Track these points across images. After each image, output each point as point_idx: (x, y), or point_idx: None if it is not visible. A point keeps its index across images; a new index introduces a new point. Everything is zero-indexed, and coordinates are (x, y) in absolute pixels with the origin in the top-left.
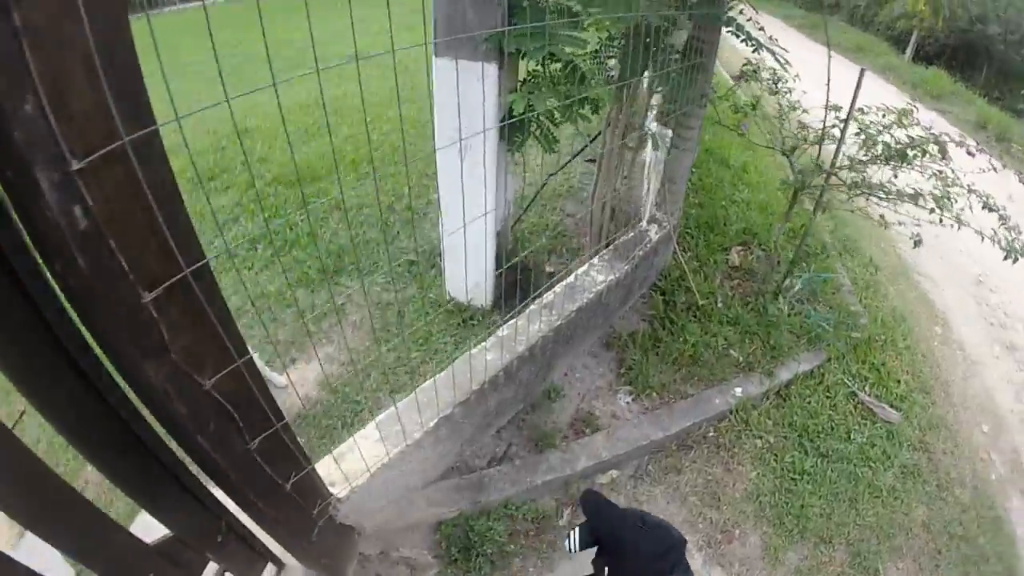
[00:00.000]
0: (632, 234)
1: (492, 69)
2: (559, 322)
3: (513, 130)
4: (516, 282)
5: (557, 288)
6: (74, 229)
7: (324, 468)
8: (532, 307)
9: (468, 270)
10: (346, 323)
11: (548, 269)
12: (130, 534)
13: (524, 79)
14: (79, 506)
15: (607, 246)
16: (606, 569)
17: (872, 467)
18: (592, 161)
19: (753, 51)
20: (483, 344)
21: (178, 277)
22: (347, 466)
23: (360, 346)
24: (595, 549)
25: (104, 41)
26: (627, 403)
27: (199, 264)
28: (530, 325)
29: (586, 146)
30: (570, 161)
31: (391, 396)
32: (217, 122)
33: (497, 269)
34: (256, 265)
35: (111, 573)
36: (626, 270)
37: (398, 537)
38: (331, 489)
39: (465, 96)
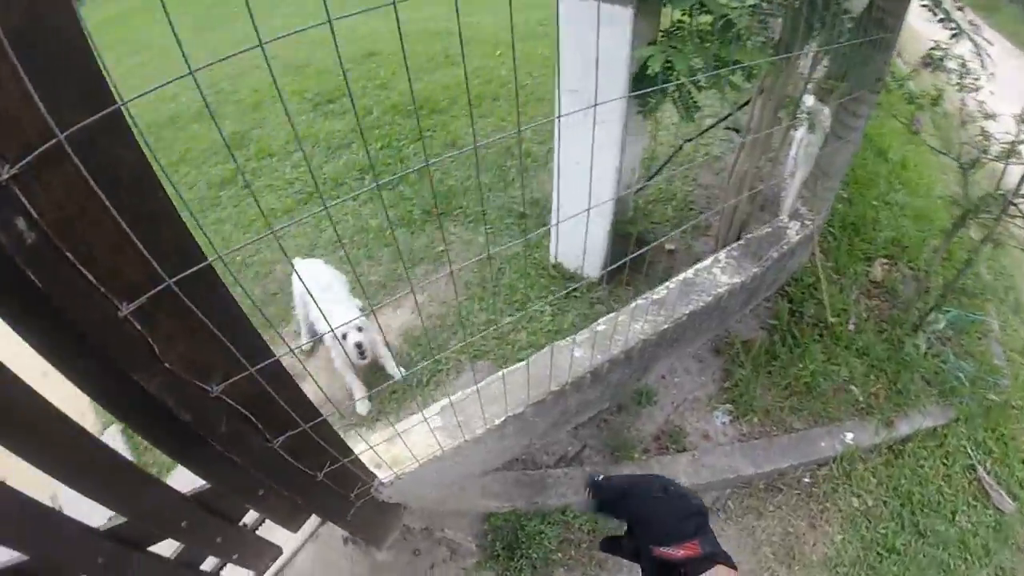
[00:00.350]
0: (768, 229)
1: (624, 13)
2: (666, 325)
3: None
4: (630, 255)
5: (671, 283)
6: (20, 245)
7: (375, 448)
8: (639, 301)
9: (579, 237)
10: (442, 271)
11: (669, 247)
12: (164, 485)
13: (666, 30)
14: (108, 459)
15: (738, 236)
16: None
17: (968, 560)
18: (736, 131)
19: (952, 36)
20: (572, 339)
21: (162, 287)
22: (397, 451)
23: (452, 300)
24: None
25: (19, 22)
26: (723, 423)
27: (196, 268)
28: (633, 323)
29: (731, 113)
30: (711, 128)
31: (472, 361)
32: (346, 42)
33: (611, 239)
34: (361, 197)
35: (146, 521)
36: (755, 273)
37: (446, 518)
38: (376, 472)
39: (588, 41)
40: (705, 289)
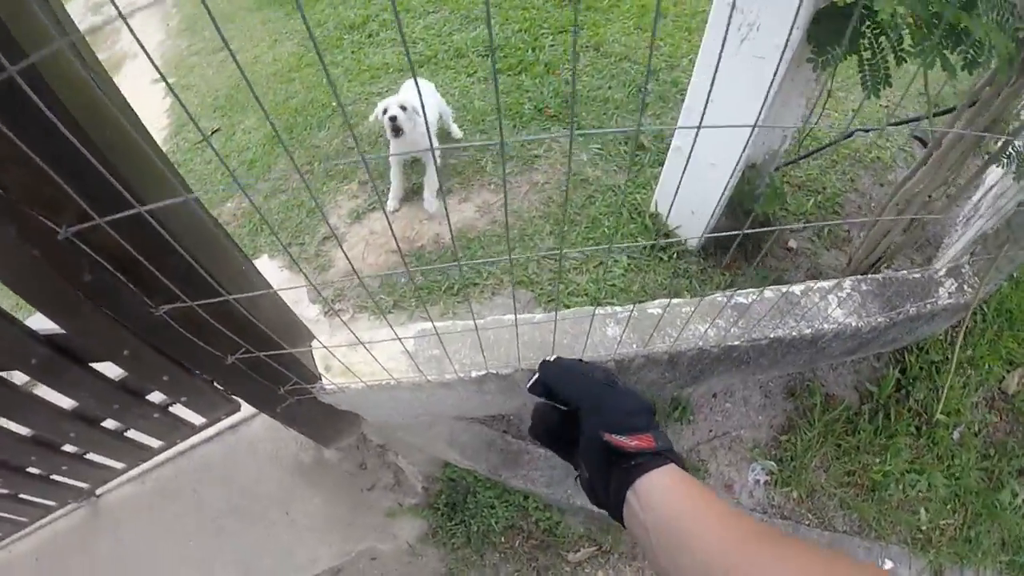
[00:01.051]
0: (916, 276)
1: None
2: (737, 342)
3: (829, 33)
4: (739, 239)
5: (768, 291)
6: None
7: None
8: (717, 297)
9: (690, 192)
10: (528, 176)
11: (791, 244)
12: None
13: None
14: None
15: (875, 265)
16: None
17: None
18: (923, 143)
19: None
20: (612, 311)
21: None
22: (357, 359)
23: (525, 210)
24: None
25: None
26: (757, 482)
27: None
28: (698, 322)
29: (925, 117)
30: (897, 125)
31: (514, 286)
32: None
33: (727, 207)
34: (477, 74)
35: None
36: (878, 324)
37: (405, 445)
38: (324, 373)
39: None
40: (808, 317)
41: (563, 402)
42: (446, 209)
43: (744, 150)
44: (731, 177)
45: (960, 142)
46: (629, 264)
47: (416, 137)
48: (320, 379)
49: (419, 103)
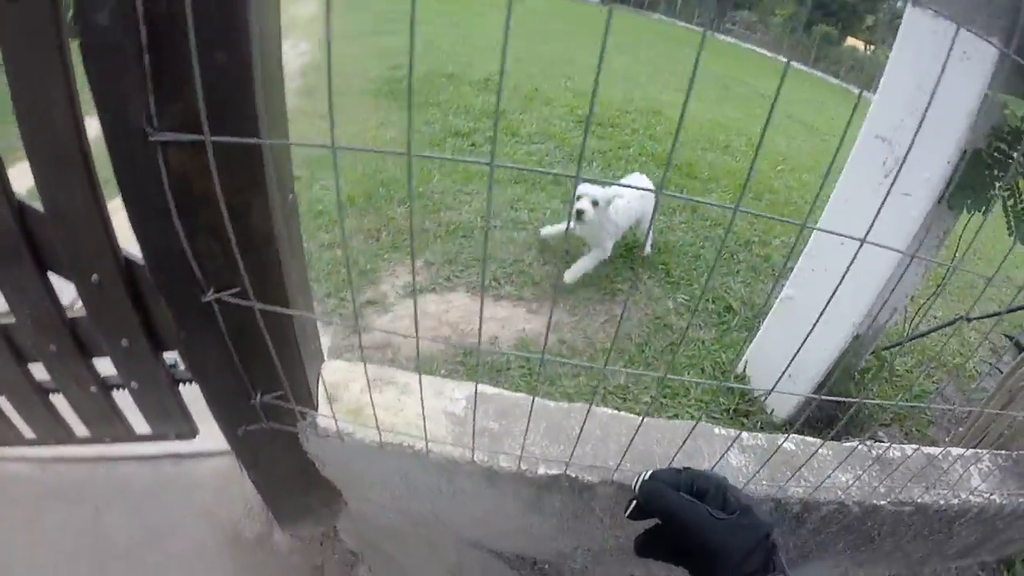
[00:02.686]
0: None
1: (985, 51)
2: (884, 503)
3: (973, 176)
4: (829, 414)
5: (908, 448)
6: None
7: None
8: (857, 444)
9: (790, 353)
10: (612, 307)
11: (880, 436)
12: None
13: None
14: None
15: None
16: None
17: None
18: (1019, 346)
19: None
20: (737, 433)
21: None
22: (371, 400)
23: (601, 342)
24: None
25: None
26: None
27: None
28: (842, 474)
29: None
30: (1009, 311)
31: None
32: (642, 98)
33: (823, 385)
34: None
35: None
36: (1018, 505)
37: (385, 562)
38: (323, 408)
39: (923, 79)
40: (951, 484)
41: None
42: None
43: (854, 324)
44: (845, 340)
45: None
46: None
47: (597, 230)
48: (315, 410)
49: (622, 204)
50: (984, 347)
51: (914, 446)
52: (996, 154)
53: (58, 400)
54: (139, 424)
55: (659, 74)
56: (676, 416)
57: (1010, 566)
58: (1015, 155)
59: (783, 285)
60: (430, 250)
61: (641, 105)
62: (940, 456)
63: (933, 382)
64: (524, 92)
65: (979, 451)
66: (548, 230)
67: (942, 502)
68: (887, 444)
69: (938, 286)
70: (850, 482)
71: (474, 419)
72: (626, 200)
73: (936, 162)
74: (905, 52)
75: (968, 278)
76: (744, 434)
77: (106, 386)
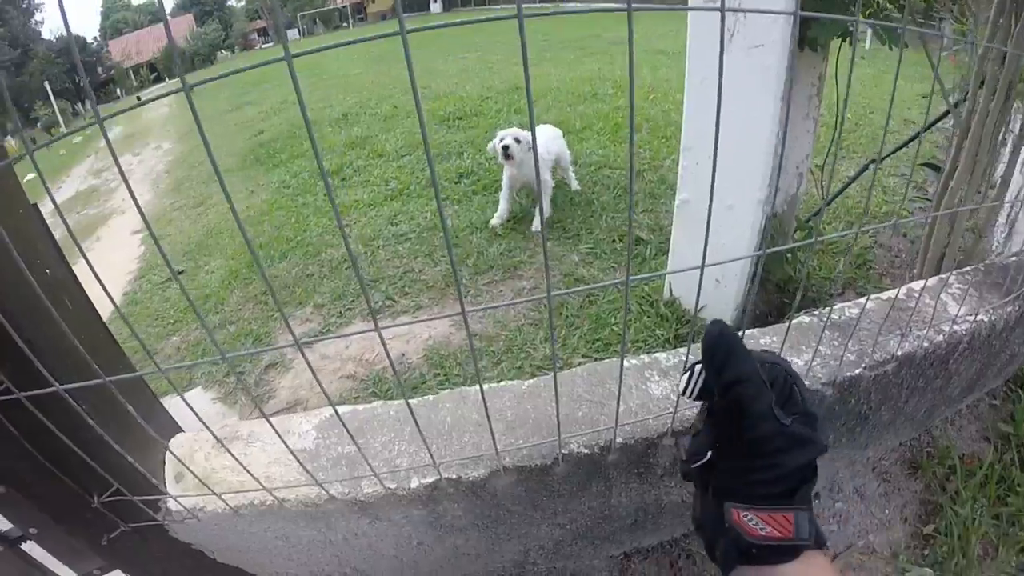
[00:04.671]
0: (1013, 259)
1: None
2: (859, 370)
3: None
4: (778, 305)
5: (866, 301)
6: None
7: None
8: (804, 318)
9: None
10: (511, 284)
11: (838, 306)
12: None
13: None
14: None
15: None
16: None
17: None
18: (934, 168)
19: None
20: (652, 358)
21: None
22: (220, 464)
23: (510, 321)
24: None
25: None
26: None
27: None
28: (798, 356)
29: (940, 118)
30: (914, 139)
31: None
32: (501, 82)
33: (754, 276)
34: (451, 198)
35: None
36: (1009, 315)
37: None
38: (171, 485)
39: None
40: (927, 321)
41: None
42: (544, 238)
43: (763, 203)
44: (757, 220)
45: (987, 119)
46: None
47: (527, 171)
48: (164, 494)
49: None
50: (907, 188)
51: (875, 296)
52: None
53: None
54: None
55: (512, 56)
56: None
57: (1021, 382)
58: None
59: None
60: (318, 293)
61: (500, 88)
62: (903, 296)
63: (869, 236)
64: (384, 113)
65: (942, 276)
66: (495, 219)
67: (926, 344)
68: (837, 304)
69: (833, 135)
70: (810, 361)
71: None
72: (542, 138)
73: (774, 4)
74: None
75: (867, 130)
76: (660, 355)
77: (8, 540)
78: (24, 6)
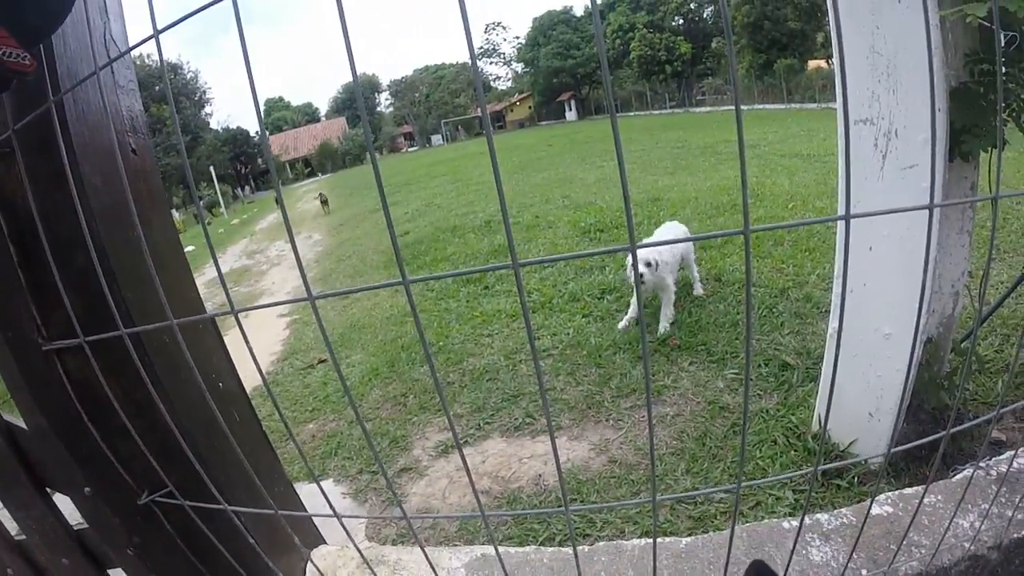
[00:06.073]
0: None
1: None
2: None
3: (969, 112)
4: (934, 442)
5: (1004, 467)
6: None
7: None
8: (967, 472)
9: (861, 387)
10: (659, 408)
11: (997, 435)
12: None
13: None
14: None
15: None
16: None
17: None
18: None
19: None
20: (812, 518)
21: None
22: None
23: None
24: None
25: None
26: None
27: None
28: (957, 515)
29: None
30: None
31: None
32: (639, 192)
33: (906, 403)
34: (593, 314)
35: None
36: None
37: None
38: None
39: (873, 39)
40: None
41: None
42: (646, 362)
43: (920, 330)
44: (913, 349)
45: None
46: (797, 501)
47: (657, 281)
48: None
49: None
50: None
51: None
52: (983, 78)
53: None
54: None
55: (649, 165)
56: (758, 505)
57: None
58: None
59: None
60: (458, 401)
61: (639, 198)
62: None
63: None
64: (526, 223)
65: None
66: (622, 323)
67: None
68: (1007, 454)
69: (989, 247)
70: (977, 525)
71: None
72: (668, 249)
73: (926, 117)
74: (844, 23)
75: (1016, 224)
76: (822, 517)
77: None
78: (196, 98)
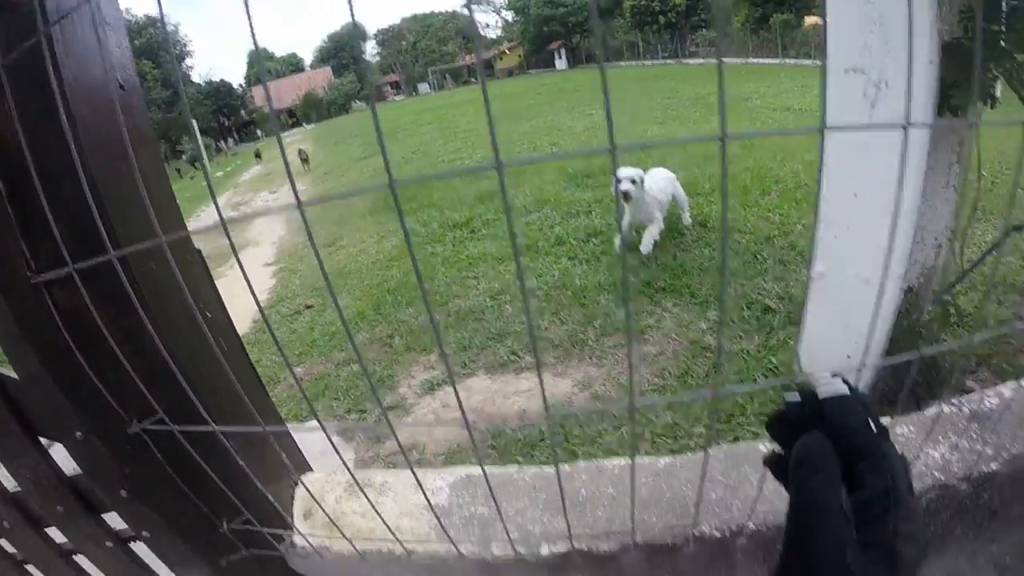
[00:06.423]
0: None
1: None
2: (995, 467)
3: (960, 68)
4: (910, 385)
5: (1006, 389)
6: None
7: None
8: (945, 409)
9: (841, 331)
10: (642, 347)
11: (971, 385)
12: None
13: None
14: None
15: None
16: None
17: None
18: None
19: None
20: None
21: None
22: (350, 508)
23: (637, 383)
24: None
25: None
26: None
27: None
28: (934, 449)
29: None
30: None
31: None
32: (628, 139)
33: (888, 348)
34: (579, 256)
35: None
36: None
37: None
38: (299, 524)
39: None
40: None
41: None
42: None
43: (900, 277)
44: (896, 296)
45: None
46: None
47: (643, 207)
48: (290, 528)
49: (655, 185)
50: None
51: (1013, 383)
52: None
53: (82, 561)
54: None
55: (639, 115)
56: (738, 440)
57: None
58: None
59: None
60: (444, 342)
61: (629, 146)
62: None
63: (1008, 308)
64: (513, 169)
65: None
66: (617, 240)
67: None
68: (977, 393)
69: (972, 203)
70: (948, 456)
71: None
72: (656, 180)
73: (917, 71)
74: None
75: (1003, 189)
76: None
77: (121, 540)
78: (177, 51)
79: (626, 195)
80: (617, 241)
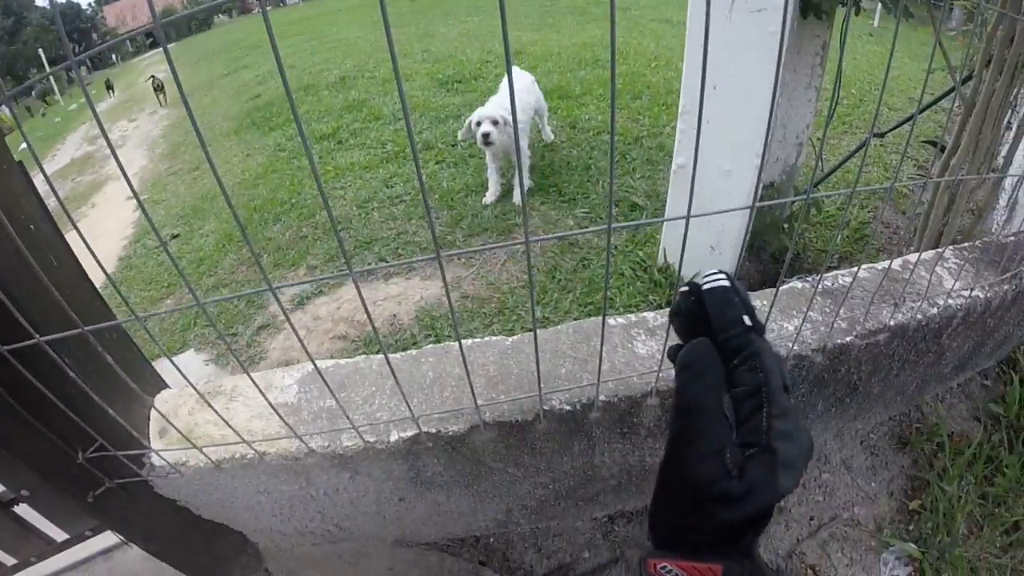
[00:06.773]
0: (1011, 239)
1: None
2: (849, 337)
3: None
4: (773, 276)
5: (859, 270)
6: None
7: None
8: (796, 284)
9: (704, 222)
10: (513, 251)
11: (826, 283)
12: None
13: None
14: None
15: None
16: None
17: None
18: (935, 144)
19: None
20: (640, 317)
21: None
22: (203, 419)
23: (502, 282)
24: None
25: None
26: None
27: None
28: (788, 321)
29: (944, 95)
30: (913, 116)
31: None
32: (501, 46)
33: (747, 244)
34: (447, 160)
35: None
36: (1005, 293)
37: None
38: (155, 440)
39: None
40: (921, 293)
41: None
42: (524, 205)
43: (757, 170)
44: (753, 186)
45: (992, 98)
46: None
47: (507, 139)
48: (147, 448)
49: (510, 115)
50: (908, 165)
51: (868, 265)
52: None
53: None
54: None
55: (514, 21)
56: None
57: (1014, 364)
58: None
59: None
60: (311, 253)
61: (500, 52)
62: (898, 267)
63: (868, 211)
64: (382, 76)
65: (939, 250)
66: (488, 198)
67: (919, 316)
68: (829, 273)
69: (831, 103)
70: (800, 327)
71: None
72: (519, 106)
73: None
74: None
75: (870, 107)
76: (648, 314)
77: (2, 503)
78: None
79: (487, 139)
80: (488, 197)
